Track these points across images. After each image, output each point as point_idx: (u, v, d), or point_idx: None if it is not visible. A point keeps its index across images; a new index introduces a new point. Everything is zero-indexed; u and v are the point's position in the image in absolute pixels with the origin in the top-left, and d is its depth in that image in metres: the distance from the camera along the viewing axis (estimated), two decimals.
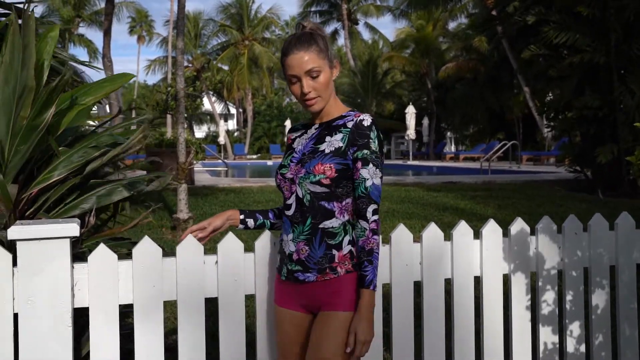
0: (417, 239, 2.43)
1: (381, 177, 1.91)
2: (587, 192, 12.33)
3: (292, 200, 1.97)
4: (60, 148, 2.27)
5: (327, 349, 1.87)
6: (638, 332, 2.71)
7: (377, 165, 1.90)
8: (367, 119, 1.91)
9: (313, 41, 1.92)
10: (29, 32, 2.16)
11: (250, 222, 2.14)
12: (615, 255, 2.69)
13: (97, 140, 2.38)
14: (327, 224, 1.92)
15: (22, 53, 2.15)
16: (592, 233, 2.66)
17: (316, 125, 2.03)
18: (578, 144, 13.68)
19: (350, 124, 1.92)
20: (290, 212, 1.98)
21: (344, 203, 1.93)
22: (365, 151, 1.89)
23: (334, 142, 1.92)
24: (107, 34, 21.31)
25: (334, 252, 1.92)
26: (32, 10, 2.41)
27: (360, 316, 1.86)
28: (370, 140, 1.89)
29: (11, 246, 2.01)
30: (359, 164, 1.89)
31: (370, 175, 1.89)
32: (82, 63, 3.18)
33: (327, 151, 1.92)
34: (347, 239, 1.94)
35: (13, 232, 1.83)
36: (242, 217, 2.13)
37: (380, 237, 1.94)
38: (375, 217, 1.89)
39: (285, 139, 2.15)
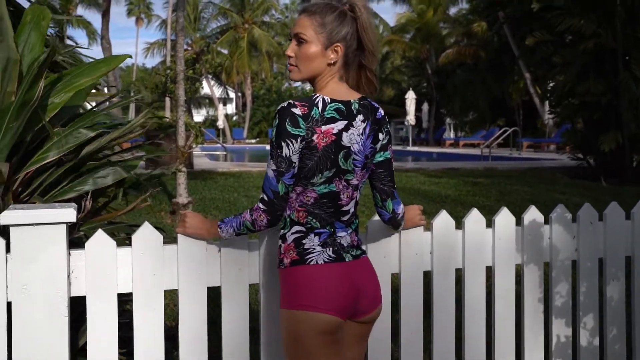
0: (427, 227, 2.34)
1: (274, 169, 1.77)
2: (590, 179, 12.26)
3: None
4: (55, 129, 2.17)
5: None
6: None
7: (272, 155, 1.77)
8: (279, 107, 1.79)
9: (322, 13, 1.81)
10: (0, 5, 2.07)
11: None
12: (632, 245, 2.61)
13: (92, 120, 2.28)
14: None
15: None
16: (608, 222, 2.57)
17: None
18: (581, 130, 13.59)
19: None
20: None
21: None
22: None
23: None
24: (105, 15, 21.07)
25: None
26: None
27: (200, 222, 1.96)
28: (272, 129, 1.79)
29: (4, 231, 1.91)
30: None
31: (267, 165, 1.80)
32: (77, 46, 3.08)
33: None
34: (282, 232, 1.88)
35: (6, 217, 1.74)
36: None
37: (257, 226, 1.83)
38: (261, 206, 1.79)
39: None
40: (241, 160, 20.08)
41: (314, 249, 1.82)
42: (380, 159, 1.95)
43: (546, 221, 2.51)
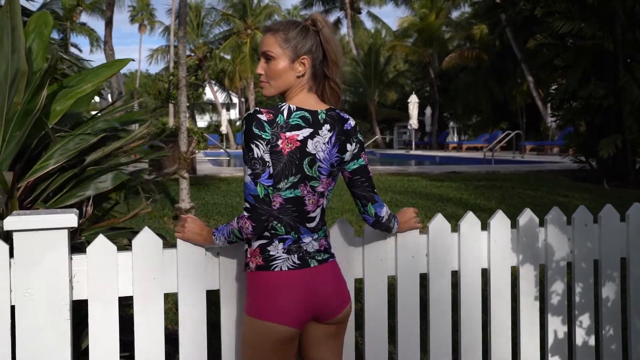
0: (423, 230, 2.37)
1: (250, 173, 1.81)
2: (592, 182, 12.26)
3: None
4: (57, 135, 2.22)
5: None
6: None
7: (245, 161, 1.83)
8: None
9: (285, 29, 1.89)
10: (15, 15, 2.11)
11: None
12: (627, 247, 2.64)
13: (92, 127, 2.32)
14: None
15: (11, 36, 2.10)
16: (603, 224, 2.60)
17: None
18: (583, 133, 13.60)
19: None
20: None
21: None
22: None
23: None
24: (108, 22, 21.19)
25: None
26: None
27: (198, 228, 2.01)
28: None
29: (7, 236, 1.96)
30: None
31: (244, 174, 1.85)
32: (82, 59, 3.11)
33: None
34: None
35: (9, 223, 1.78)
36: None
37: (246, 232, 1.85)
38: (246, 213, 1.83)
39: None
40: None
41: (279, 256, 1.87)
42: (355, 166, 2.01)
43: (542, 223, 2.54)
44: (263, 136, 1.81)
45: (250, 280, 1.90)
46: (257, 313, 1.85)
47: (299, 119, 1.86)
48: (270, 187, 1.83)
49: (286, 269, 1.87)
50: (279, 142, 1.82)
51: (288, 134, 1.83)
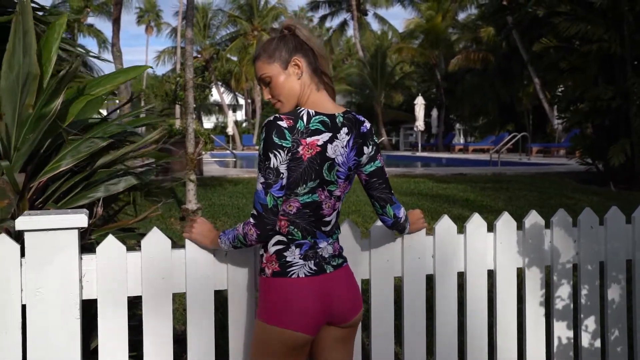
0: (430, 231, 2.39)
1: (262, 182, 1.80)
2: (599, 184, 12.22)
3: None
4: (69, 137, 2.25)
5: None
6: None
7: (260, 168, 1.81)
8: (267, 120, 1.84)
9: (264, 48, 1.92)
10: (27, 19, 2.14)
11: None
12: (632, 249, 2.64)
13: (104, 130, 2.35)
14: None
15: (23, 40, 2.13)
16: (609, 226, 2.61)
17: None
18: (590, 136, 13.56)
19: None
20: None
21: None
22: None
23: None
24: (116, 23, 21.30)
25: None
26: None
27: (206, 230, 2.03)
28: (260, 143, 1.84)
29: (19, 236, 1.98)
30: None
31: (257, 179, 1.84)
32: (89, 54, 3.15)
33: None
34: (274, 239, 1.89)
35: (21, 223, 1.81)
36: None
37: (249, 241, 1.86)
38: (251, 220, 1.83)
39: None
40: (251, 167, 20.15)
41: (296, 262, 1.87)
42: (372, 169, 2.01)
43: (548, 225, 2.55)
44: (283, 145, 1.80)
45: (265, 286, 1.89)
46: (272, 319, 1.84)
47: (318, 124, 1.86)
48: (280, 198, 1.82)
49: (303, 275, 1.87)
50: (300, 148, 1.82)
51: (308, 140, 1.83)
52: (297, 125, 1.83)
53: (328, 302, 1.90)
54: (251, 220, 1.83)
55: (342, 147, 1.89)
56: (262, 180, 1.81)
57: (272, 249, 1.88)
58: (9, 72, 2.19)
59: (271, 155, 1.79)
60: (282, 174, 1.81)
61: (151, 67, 2.51)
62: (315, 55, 1.94)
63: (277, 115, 1.83)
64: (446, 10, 32.99)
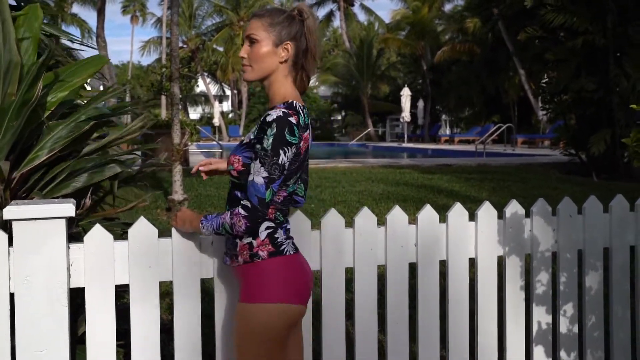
0: (413, 221, 2.43)
1: (264, 177, 1.80)
2: (582, 175, 12.38)
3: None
4: (50, 123, 2.27)
5: (233, 343, 1.97)
6: (630, 313, 2.73)
7: (264, 163, 1.80)
8: (272, 115, 1.82)
9: (271, 15, 1.93)
10: (3, 8, 2.16)
11: None
12: (609, 237, 2.71)
13: (85, 114, 2.37)
14: None
15: (1, 29, 2.15)
16: (587, 215, 2.67)
17: None
18: (573, 126, 13.70)
19: (268, 118, 1.85)
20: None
21: None
22: (258, 146, 1.83)
23: (250, 134, 1.93)
24: (100, 13, 21.11)
25: (237, 240, 1.94)
26: None
27: (188, 215, 2.01)
28: (265, 137, 1.81)
29: (5, 225, 2.00)
30: (254, 158, 1.85)
31: (254, 171, 1.82)
32: (73, 39, 3.13)
33: (244, 142, 1.93)
34: (263, 225, 1.91)
35: (9, 212, 1.83)
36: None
37: (237, 229, 1.85)
38: (242, 212, 1.82)
39: None
40: None
41: (284, 241, 1.94)
42: None
43: (528, 214, 2.61)
44: (293, 142, 1.83)
45: (263, 269, 1.90)
46: (276, 297, 1.87)
47: (307, 117, 1.93)
48: (276, 193, 1.88)
49: (292, 252, 1.95)
50: (301, 143, 1.87)
51: (304, 134, 1.90)
52: (300, 121, 1.87)
53: (310, 277, 2.01)
54: (242, 211, 1.83)
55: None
56: (265, 174, 1.81)
57: (263, 234, 1.91)
58: None
59: (281, 152, 1.81)
60: (286, 170, 1.85)
61: (108, 60, 2.54)
62: (306, 51, 1.96)
63: (285, 111, 1.83)
64: (432, 1, 33.02)
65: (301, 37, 1.94)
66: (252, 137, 1.90)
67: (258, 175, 1.81)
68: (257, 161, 1.82)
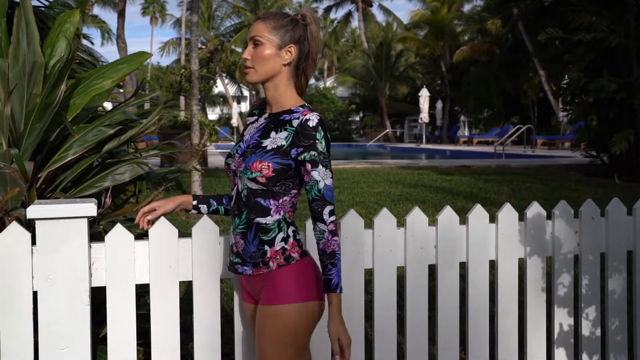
0: (432, 222, 2.42)
1: (332, 177, 1.87)
2: (603, 176, 12.22)
3: (234, 192, 1.97)
4: (75, 127, 2.29)
5: (265, 346, 1.88)
6: None
7: (326, 165, 1.85)
8: (313, 119, 1.84)
9: (275, 18, 1.93)
10: (28, 11, 2.19)
11: (204, 207, 2.09)
12: (634, 240, 2.67)
13: (110, 119, 2.39)
14: (262, 220, 1.89)
15: (25, 31, 2.18)
16: (610, 218, 2.63)
17: (266, 115, 1.99)
18: (594, 128, 13.54)
19: (295, 123, 1.86)
20: (231, 204, 1.98)
21: (280, 201, 1.89)
22: (313, 152, 1.83)
23: (278, 139, 1.87)
24: (121, 14, 21.32)
25: (266, 247, 1.90)
26: None
27: (337, 320, 1.83)
28: (317, 142, 1.83)
29: (29, 224, 2.03)
30: (309, 167, 1.84)
31: (321, 177, 1.84)
32: (91, 41, 3.17)
33: (268, 148, 1.87)
34: (280, 236, 1.90)
35: (32, 211, 1.85)
36: (195, 202, 2.09)
37: (340, 237, 1.91)
38: (333, 218, 1.85)
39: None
40: None
41: (302, 242, 2.00)
42: None
43: (549, 216, 2.58)
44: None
45: (297, 269, 1.91)
46: (313, 295, 1.90)
47: None
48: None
49: (309, 252, 2.00)
50: None
51: None
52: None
53: None
54: (333, 218, 1.86)
55: None
56: (330, 175, 1.87)
57: (278, 245, 1.90)
58: (15, 63, 2.23)
59: (328, 152, 1.88)
60: None
61: (151, 55, 2.53)
62: (308, 55, 1.97)
63: (315, 113, 1.87)
64: (451, 1, 32.87)
65: (304, 41, 1.95)
66: (284, 143, 1.86)
67: (327, 177, 1.86)
68: (320, 166, 1.84)
